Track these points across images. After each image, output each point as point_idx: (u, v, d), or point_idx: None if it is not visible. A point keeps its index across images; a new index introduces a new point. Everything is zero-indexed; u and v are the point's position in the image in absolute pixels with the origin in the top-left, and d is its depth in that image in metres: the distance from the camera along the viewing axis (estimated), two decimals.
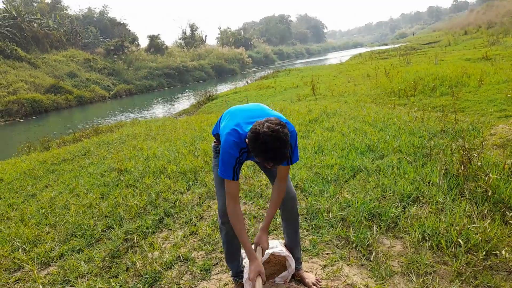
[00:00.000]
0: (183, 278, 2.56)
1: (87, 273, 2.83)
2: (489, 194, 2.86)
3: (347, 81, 13.57)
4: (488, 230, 2.45)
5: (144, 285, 2.54)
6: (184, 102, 23.78)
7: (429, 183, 3.28)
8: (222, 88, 27.13)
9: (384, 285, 2.20)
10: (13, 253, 3.35)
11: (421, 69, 11.85)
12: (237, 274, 2.34)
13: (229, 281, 2.45)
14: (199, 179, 4.38)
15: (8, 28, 36.28)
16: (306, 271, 2.37)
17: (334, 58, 48.37)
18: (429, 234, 2.58)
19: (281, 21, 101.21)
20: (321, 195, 3.39)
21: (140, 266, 2.75)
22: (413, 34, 76.95)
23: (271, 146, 1.64)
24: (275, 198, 2.11)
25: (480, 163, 3.24)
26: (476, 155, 3.31)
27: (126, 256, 2.99)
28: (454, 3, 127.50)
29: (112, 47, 44.22)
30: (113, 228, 3.48)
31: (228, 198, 1.98)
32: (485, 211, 2.73)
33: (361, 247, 2.58)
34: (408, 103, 7.57)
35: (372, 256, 2.47)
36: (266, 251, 2.23)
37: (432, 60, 15.18)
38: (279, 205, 2.14)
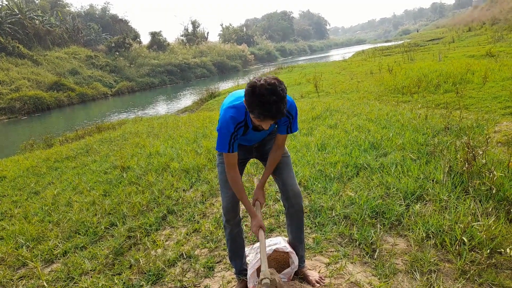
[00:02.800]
0: (186, 276, 2.57)
1: (90, 270, 2.84)
2: (494, 191, 2.84)
3: (350, 78, 13.52)
4: (493, 228, 2.43)
5: (147, 282, 2.54)
6: (186, 99, 23.77)
7: (433, 180, 3.27)
8: (225, 85, 27.11)
9: (388, 283, 2.19)
10: (17, 250, 3.37)
11: (424, 66, 11.79)
12: (240, 272, 2.34)
13: (232, 278, 2.45)
14: (202, 177, 4.38)
15: (10, 25, 36.34)
16: (310, 269, 2.37)
17: (337, 55, 48.24)
18: (433, 232, 2.56)
19: (284, 18, 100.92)
20: (324, 193, 3.39)
21: (143, 264, 2.75)
22: (417, 31, 76.54)
23: (267, 99, 1.66)
24: (270, 160, 2.19)
25: (484, 161, 3.22)
26: (480, 153, 3.29)
27: (129, 254, 2.99)
28: None
29: (113, 44, 44.21)
30: (116, 226, 3.48)
31: (226, 167, 2.05)
32: (490, 209, 2.71)
33: (365, 245, 2.58)
34: (412, 100, 7.53)
35: (376, 254, 2.46)
36: (270, 247, 2.23)
37: (435, 57, 15.09)
38: (274, 166, 2.20)
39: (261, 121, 1.76)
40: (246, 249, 2.43)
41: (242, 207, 3.08)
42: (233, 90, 17.55)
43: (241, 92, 2.00)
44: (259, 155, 2.33)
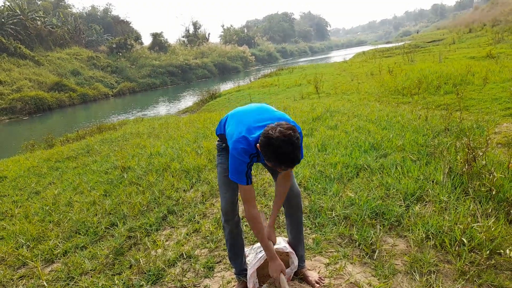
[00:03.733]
0: (186, 276, 2.57)
1: (90, 270, 2.84)
2: (494, 193, 2.84)
3: (350, 79, 13.53)
4: (492, 229, 2.44)
5: (147, 282, 2.55)
6: (187, 100, 23.80)
7: (433, 181, 3.27)
8: (225, 86, 27.13)
9: (387, 284, 2.19)
10: (17, 249, 3.37)
11: (425, 67, 11.79)
12: (240, 272, 2.34)
13: (232, 279, 2.45)
14: (202, 177, 4.39)
15: (12, 26, 36.44)
16: (309, 269, 2.37)
17: (337, 56, 48.26)
18: (432, 233, 2.57)
19: (285, 19, 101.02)
20: (324, 194, 3.39)
21: (143, 264, 2.76)
22: (417, 32, 76.54)
23: (284, 151, 1.66)
24: (279, 194, 2.13)
25: (484, 162, 3.23)
26: (480, 154, 3.29)
27: (129, 254, 3.00)
28: (459, 0, 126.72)
29: (115, 45, 44.29)
30: (117, 226, 3.49)
31: (244, 202, 1.99)
32: (489, 210, 2.71)
33: (364, 245, 2.58)
34: (412, 101, 7.53)
35: (376, 254, 2.47)
36: None
37: (436, 58, 15.09)
38: (283, 200, 2.16)
39: (280, 169, 1.76)
40: (246, 249, 2.44)
41: (241, 207, 3.09)
42: (234, 91, 17.57)
43: (246, 115, 1.98)
44: (270, 168, 2.29)
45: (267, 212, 3.28)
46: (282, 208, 2.33)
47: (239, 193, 2.17)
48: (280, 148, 1.65)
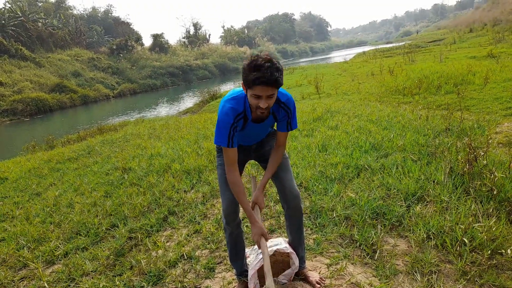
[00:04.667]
0: (187, 277, 2.57)
1: (91, 271, 2.84)
2: (495, 192, 2.83)
3: (351, 79, 13.53)
4: (494, 229, 2.43)
5: (148, 283, 2.55)
6: (188, 101, 23.82)
7: (434, 181, 3.26)
8: (226, 87, 27.17)
9: (389, 284, 2.19)
10: (18, 251, 3.37)
11: (425, 67, 11.78)
12: (241, 273, 2.34)
13: (233, 279, 2.45)
14: (202, 178, 4.39)
15: (13, 28, 36.53)
16: (310, 270, 2.37)
17: (338, 56, 48.25)
18: (433, 233, 2.56)
19: (285, 20, 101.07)
20: (325, 194, 3.38)
21: (144, 265, 2.75)
22: (417, 32, 76.50)
23: (262, 65, 1.72)
24: (272, 161, 2.16)
25: (485, 162, 3.22)
26: (481, 154, 3.28)
27: (130, 255, 2.99)
28: (459, 0, 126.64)
29: (116, 46, 44.36)
30: (118, 227, 3.49)
31: (226, 165, 2.03)
32: (491, 210, 2.71)
33: (365, 246, 2.57)
34: (413, 101, 7.52)
35: (376, 255, 2.46)
36: (271, 248, 2.23)
37: (437, 58, 15.08)
38: (275, 168, 2.17)
39: (258, 96, 1.79)
40: (246, 250, 2.44)
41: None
42: None
43: (240, 88, 2.01)
44: (258, 156, 2.33)
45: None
46: (282, 209, 2.33)
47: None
48: (258, 64, 1.73)
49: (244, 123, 1.99)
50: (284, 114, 2.04)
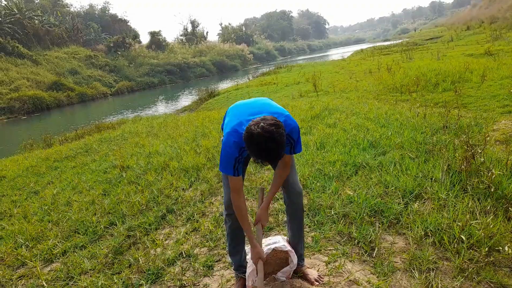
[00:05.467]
0: (185, 275, 2.57)
1: (90, 269, 2.84)
2: (492, 190, 2.85)
3: (349, 77, 13.52)
4: (491, 226, 2.44)
5: (147, 281, 2.55)
6: (186, 99, 23.77)
7: (431, 179, 3.27)
8: (224, 85, 27.10)
9: (387, 281, 2.20)
10: (16, 249, 3.37)
11: (423, 64, 11.80)
12: (238, 268, 2.34)
13: (231, 277, 2.45)
14: (201, 176, 4.39)
15: (10, 25, 36.29)
16: (309, 267, 2.38)
17: (336, 54, 48.25)
18: (431, 230, 2.57)
19: (283, 17, 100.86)
20: (323, 192, 3.39)
21: (142, 263, 2.76)
22: (415, 30, 76.52)
23: (264, 147, 1.66)
24: (277, 178, 2.15)
25: (483, 159, 3.23)
26: (479, 151, 3.29)
27: (128, 253, 3.00)
28: None
29: (113, 44, 44.18)
30: (116, 225, 3.49)
31: (231, 192, 2.04)
32: (488, 207, 2.72)
33: (364, 243, 2.58)
34: (410, 99, 7.54)
35: (375, 252, 2.47)
36: (269, 246, 2.24)
37: (434, 56, 15.10)
38: (280, 185, 2.17)
39: (260, 162, 1.79)
40: (246, 247, 2.44)
41: None
42: (232, 90, 17.55)
43: (242, 108, 2.03)
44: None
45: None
46: (282, 207, 2.33)
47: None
48: (261, 144, 1.66)
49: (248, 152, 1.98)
50: (287, 142, 1.99)
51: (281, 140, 1.68)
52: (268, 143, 1.65)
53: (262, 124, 1.68)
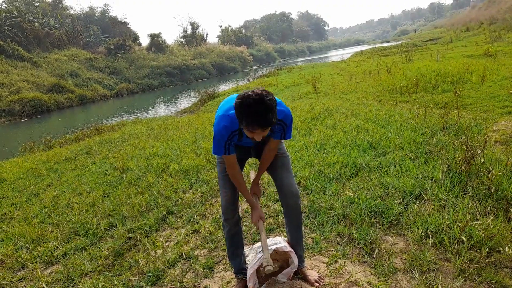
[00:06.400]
0: (186, 276, 2.57)
1: (90, 271, 2.84)
2: (492, 190, 2.85)
3: (348, 78, 13.54)
4: (491, 227, 2.44)
5: (147, 283, 2.55)
6: (186, 101, 23.79)
7: (431, 180, 3.27)
8: (224, 87, 27.13)
9: (387, 282, 2.20)
10: (16, 252, 3.36)
11: (423, 66, 11.80)
12: (239, 271, 2.34)
13: (232, 279, 2.45)
14: (201, 178, 4.39)
15: (10, 28, 36.36)
16: (309, 269, 2.37)
17: (335, 55, 48.26)
18: (431, 231, 2.57)
19: (282, 19, 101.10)
20: (323, 193, 3.39)
21: (143, 265, 2.75)
22: (415, 31, 76.62)
23: (254, 109, 1.69)
24: (263, 159, 2.23)
25: (482, 160, 3.23)
26: (479, 152, 3.30)
27: (129, 255, 2.99)
28: None
29: (113, 46, 44.24)
30: (116, 227, 3.49)
31: (227, 167, 2.12)
32: (488, 208, 2.72)
33: (364, 244, 2.58)
34: (410, 100, 7.54)
35: (375, 253, 2.47)
36: (270, 247, 2.23)
37: (434, 57, 15.12)
38: (269, 162, 2.23)
39: (251, 131, 1.78)
40: (245, 249, 2.44)
41: (241, 207, 3.09)
42: (233, 92, 17.57)
43: (233, 97, 2.00)
44: (257, 154, 2.34)
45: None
46: (281, 208, 2.34)
47: (239, 192, 2.21)
48: (250, 107, 1.69)
49: (239, 138, 2.03)
50: (280, 128, 2.05)
51: (271, 105, 1.71)
52: (257, 105, 1.68)
53: (252, 89, 1.76)
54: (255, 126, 1.73)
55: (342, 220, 2.92)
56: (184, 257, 2.80)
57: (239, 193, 2.23)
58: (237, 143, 2.11)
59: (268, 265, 1.86)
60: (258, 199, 2.35)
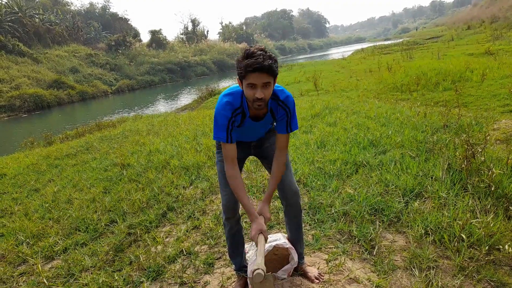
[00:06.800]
0: (186, 272, 2.58)
1: (91, 266, 2.85)
2: (492, 189, 2.85)
3: (349, 76, 13.52)
4: (491, 225, 2.45)
5: (148, 278, 2.56)
6: (186, 98, 23.76)
7: (432, 178, 3.28)
8: (225, 83, 27.12)
9: (387, 280, 2.20)
10: (17, 247, 3.38)
11: (424, 64, 11.79)
12: (240, 269, 2.34)
13: (232, 275, 2.46)
14: (201, 174, 4.39)
15: (10, 23, 36.25)
16: (309, 265, 2.38)
17: (336, 53, 48.19)
18: (432, 229, 2.57)
19: (283, 16, 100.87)
20: (323, 190, 3.39)
21: (143, 260, 2.76)
22: (416, 29, 76.43)
23: (255, 53, 1.73)
24: (275, 170, 2.08)
25: (483, 158, 3.23)
26: (479, 150, 3.30)
27: (129, 250, 3.00)
28: None
29: (114, 43, 44.16)
30: (117, 223, 3.50)
31: (225, 161, 2.00)
32: (488, 206, 2.72)
33: (364, 241, 2.59)
34: (411, 98, 7.54)
35: (375, 250, 2.48)
36: (270, 243, 2.24)
37: (435, 55, 15.09)
38: (279, 178, 2.10)
39: (253, 79, 1.75)
40: (246, 245, 2.45)
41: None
42: None
43: (237, 85, 1.99)
44: (257, 152, 2.30)
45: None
46: (281, 205, 2.33)
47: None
48: (254, 54, 1.73)
49: (242, 118, 1.96)
50: (283, 113, 1.98)
51: (271, 55, 1.77)
52: (261, 52, 1.74)
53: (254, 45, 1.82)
54: (257, 70, 1.72)
55: (342, 217, 2.92)
56: (185, 253, 2.81)
57: None
58: (239, 132, 2.03)
59: (259, 269, 1.73)
60: (266, 222, 2.04)
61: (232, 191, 2.03)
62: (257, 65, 1.71)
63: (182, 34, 60.23)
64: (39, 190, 5.16)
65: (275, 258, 2.32)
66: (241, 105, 1.92)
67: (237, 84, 1.96)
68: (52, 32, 41.25)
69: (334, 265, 2.38)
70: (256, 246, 1.94)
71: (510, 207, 2.67)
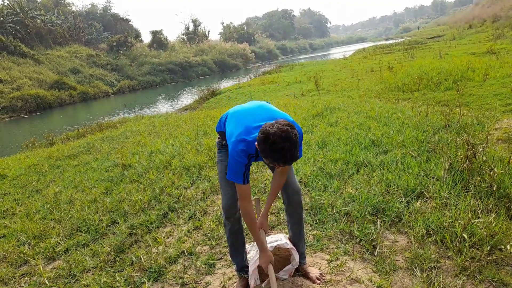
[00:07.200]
0: (187, 273, 2.58)
1: (92, 267, 2.85)
2: (494, 188, 2.84)
3: (350, 76, 13.50)
4: (493, 225, 2.44)
5: (149, 279, 2.56)
6: (187, 98, 23.78)
7: (433, 177, 3.27)
8: (226, 84, 27.10)
9: (388, 280, 2.20)
10: (18, 247, 3.38)
11: (425, 63, 11.76)
12: (242, 269, 2.34)
13: (233, 275, 2.45)
14: (202, 174, 4.39)
15: (12, 25, 36.36)
16: (310, 266, 2.37)
17: (337, 53, 48.14)
18: (433, 229, 2.57)
19: (284, 16, 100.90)
20: (324, 190, 3.39)
21: (144, 261, 2.76)
22: (418, 29, 76.31)
23: (281, 146, 1.65)
24: (275, 186, 2.16)
25: (484, 158, 3.22)
26: (480, 150, 3.29)
27: (130, 251, 3.00)
28: None
29: (115, 43, 44.23)
30: (118, 223, 3.50)
31: (240, 199, 2.02)
32: (490, 206, 2.71)
33: (365, 241, 2.58)
34: (412, 97, 7.52)
35: (376, 250, 2.47)
36: (271, 243, 2.24)
37: (436, 55, 15.06)
38: (278, 192, 2.19)
39: (277, 167, 1.79)
40: (247, 246, 2.44)
41: None
42: (234, 89, 17.56)
43: (245, 115, 1.99)
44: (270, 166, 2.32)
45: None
46: (283, 205, 2.33)
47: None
48: (277, 144, 1.65)
49: (256, 159, 1.99)
50: None
51: (296, 140, 1.69)
52: (284, 142, 1.65)
53: (277, 125, 1.69)
54: (281, 163, 1.72)
55: (343, 217, 2.92)
56: (186, 253, 2.81)
57: None
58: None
59: None
60: (265, 234, 2.22)
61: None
62: (284, 160, 1.70)
63: (183, 34, 60.31)
64: (40, 191, 5.17)
65: (277, 259, 2.32)
66: (255, 151, 1.91)
67: (248, 124, 1.94)
68: (53, 33, 41.35)
69: (335, 265, 2.38)
70: (266, 272, 2.09)
71: None
